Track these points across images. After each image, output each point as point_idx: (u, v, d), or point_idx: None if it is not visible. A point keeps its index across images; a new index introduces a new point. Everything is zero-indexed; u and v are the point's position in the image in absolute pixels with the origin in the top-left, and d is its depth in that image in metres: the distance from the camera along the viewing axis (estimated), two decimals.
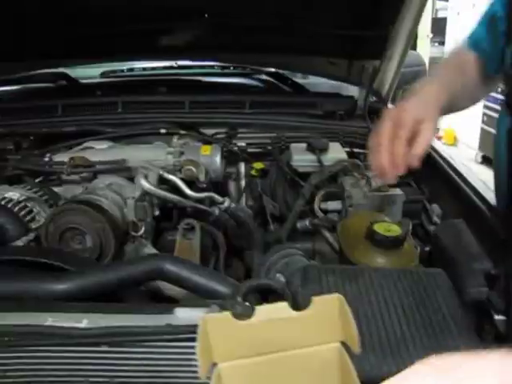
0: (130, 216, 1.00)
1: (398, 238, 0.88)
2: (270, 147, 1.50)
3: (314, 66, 1.61)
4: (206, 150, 1.18)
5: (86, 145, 1.36)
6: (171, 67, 1.95)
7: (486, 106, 5.11)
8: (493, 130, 4.97)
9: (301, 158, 1.29)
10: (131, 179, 1.11)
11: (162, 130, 1.36)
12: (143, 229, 0.99)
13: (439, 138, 6.11)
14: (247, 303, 0.69)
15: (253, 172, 1.36)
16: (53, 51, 1.63)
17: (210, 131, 1.51)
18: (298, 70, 1.78)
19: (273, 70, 1.88)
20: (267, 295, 0.74)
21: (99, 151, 1.23)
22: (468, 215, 1.03)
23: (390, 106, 1.78)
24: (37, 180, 1.21)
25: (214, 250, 1.17)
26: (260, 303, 0.72)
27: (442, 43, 6.11)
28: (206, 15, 1.43)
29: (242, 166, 1.49)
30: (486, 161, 5.12)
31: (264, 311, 0.53)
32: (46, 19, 1.49)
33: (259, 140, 1.54)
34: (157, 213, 1.07)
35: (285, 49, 1.51)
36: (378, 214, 1.03)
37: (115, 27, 1.50)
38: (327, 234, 1.17)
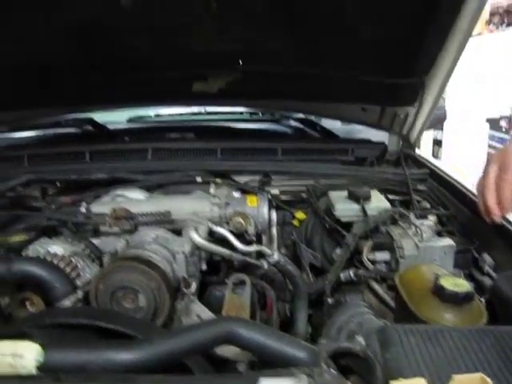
0: (179, 272, 0.96)
1: (468, 294, 0.84)
2: (304, 195, 1.48)
3: (345, 112, 1.62)
4: (252, 201, 1.16)
5: (117, 193, 1.33)
6: (199, 113, 1.95)
7: (490, 146, 5.17)
8: None
9: (344, 207, 1.26)
10: (175, 231, 1.07)
11: (198, 179, 1.34)
12: (194, 285, 0.95)
13: None
14: (332, 370, 0.65)
15: (295, 222, 1.32)
16: (79, 97, 1.63)
17: (242, 179, 1.49)
18: (328, 116, 1.78)
19: (301, 115, 1.89)
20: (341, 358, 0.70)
21: (139, 202, 1.19)
22: None
23: (416, 150, 1.78)
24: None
25: (258, 304, 1.12)
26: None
27: None
28: (241, 62, 1.43)
29: (274, 214, 1.46)
30: None
31: None
32: (72, 65, 1.48)
33: (291, 187, 1.52)
34: (204, 267, 1.03)
35: (318, 95, 1.51)
36: (436, 267, 1.00)
37: (146, 73, 1.50)
38: (376, 286, 1.14)
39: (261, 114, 1.96)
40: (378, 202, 1.28)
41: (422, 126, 1.60)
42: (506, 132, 4.84)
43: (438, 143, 6.81)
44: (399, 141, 1.65)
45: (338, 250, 1.26)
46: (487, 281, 1.09)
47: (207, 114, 1.95)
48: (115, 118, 1.99)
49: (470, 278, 1.17)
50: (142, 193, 1.31)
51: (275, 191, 1.50)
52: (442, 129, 6.39)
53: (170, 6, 1.18)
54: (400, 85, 1.44)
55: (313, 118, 1.91)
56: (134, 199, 1.23)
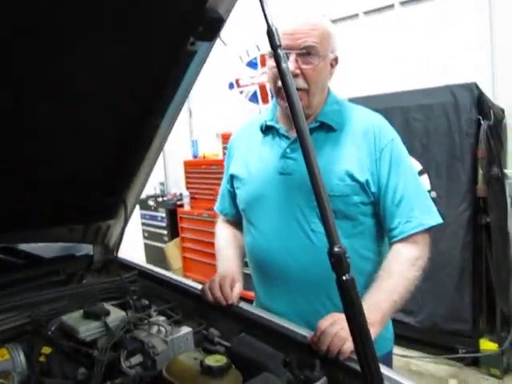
0: None
1: (227, 364, 1.12)
2: (29, 326, 1.46)
3: (53, 235, 1.68)
4: (4, 354, 1.11)
5: None
6: None
7: (144, 224, 5.84)
8: (154, 243, 5.70)
9: (87, 327, 1.35)
10: None
11: None
12: None
13: None
14: None
15: (41, 358, 1.30)
16: None
17: None
18: (35, 241, 1.77)
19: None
20: None
21: None
22: (245, 328, 1.36)
23: (118, 255, 1.99)
24: None
25: None
26: None
27: None
28: None
29: None
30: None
31: None
32: None
33: (13, 323, 1.47)
34: None
35: (26, 225, 1.53)
36: (189, 352, 1.24)
37: None
38: None
39: None
40: (115, 313, 1.42)
41: (121, 231, 1.83)
42: (155, 209, 5.61)
43: None
44: (103, 250, 1.82)
45: (82, 369, 1.31)
46: (220, 348, 1.38)
47: None
48: None
49: (206, 350, 1.45)
50: None
51: None
52: None
53: None
54: (104, 204, 1.63)
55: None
56: None
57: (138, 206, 5.85)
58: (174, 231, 5.48)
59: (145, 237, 5.90)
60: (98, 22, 1.08)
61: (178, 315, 1.53)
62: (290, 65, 1.37)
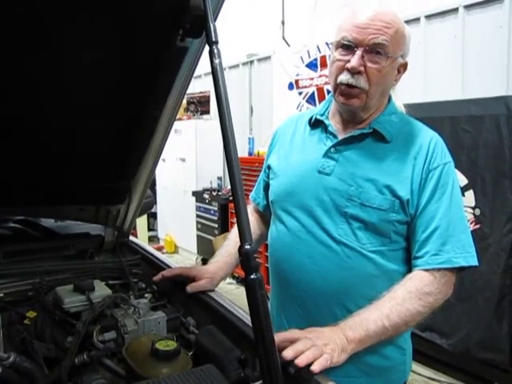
0: None
1: (175, 350, 1.16)
2: (31, 293, 1.59)
3: (64, 213, 1.82)
4: None
5: None
6: None
7: (198, 216, 6.02)
8: (206, 235, 5.87)
9: (72, 299, 1.45)
10: None
11: None
12: None
13: (160, 249, 6.74)
14: None
15: (26, 321, 1.42)
16: None
17: None
18: (49, 216, 1.93)
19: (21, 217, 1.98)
20: None
21: None
22: (216, 321, 1.39)
23: (131, 238, 2.11)
24: None
25: None
26: None
27: None
28: None
29: None
30: (205, 263, 5.91)
31: None
32: None
33: (17, 288, 1.61)
34: None
35: (40, 201, 1.67)
36: (152, 335, 1.29)
37: None
38: (108, 362, 1.34)
39: None
40: (101, 291, 1.52)
41: (133, 217, 1.94)
42: (209, 203, 5.78)
43: (153, 216, 7.49)
44: (114, 232, 1.93)
45: (70, 338, 1.41)
46: (192, 337, 1.43)
47: None
48: None
49: (181, 337, 1.50)
50: None
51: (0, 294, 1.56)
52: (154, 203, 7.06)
53: None
54: (111, 188, 1.74)
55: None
56: None
57: (194, 198, 6.11)
58: (224, 225, 5.59)
59: (198, 228, 6.08)
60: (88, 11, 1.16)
61: (163, 300, 1.60)
62: (354, 60, 1.30)
